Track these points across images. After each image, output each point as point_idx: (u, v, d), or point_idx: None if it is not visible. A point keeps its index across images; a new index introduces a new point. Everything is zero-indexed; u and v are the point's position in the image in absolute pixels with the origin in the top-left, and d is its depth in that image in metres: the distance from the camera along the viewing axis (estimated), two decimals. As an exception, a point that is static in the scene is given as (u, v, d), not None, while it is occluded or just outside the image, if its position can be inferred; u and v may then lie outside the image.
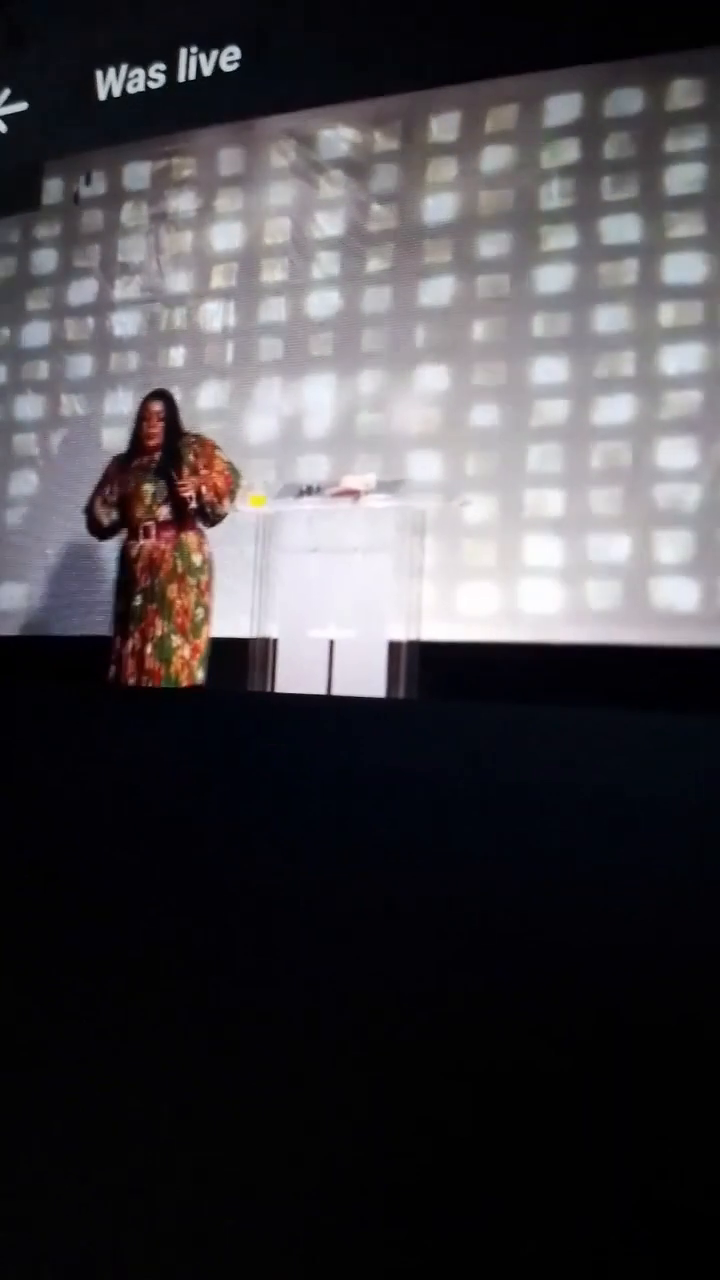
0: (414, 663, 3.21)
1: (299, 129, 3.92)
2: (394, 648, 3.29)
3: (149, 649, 3.44)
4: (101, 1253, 0.96)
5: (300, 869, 2.26)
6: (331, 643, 3.46)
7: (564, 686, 3.13)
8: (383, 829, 2.82)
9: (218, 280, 3.86)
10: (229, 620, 3.42)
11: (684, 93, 3.34)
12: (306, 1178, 1.12)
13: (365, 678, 3.36)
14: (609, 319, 3.33)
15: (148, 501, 3.40)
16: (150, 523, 3.37)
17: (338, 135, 3.80)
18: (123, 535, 3.34)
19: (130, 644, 3.46)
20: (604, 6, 3.38)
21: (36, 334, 4.23)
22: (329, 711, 3.36)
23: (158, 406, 3.46)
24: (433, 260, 3.52)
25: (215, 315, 3.86)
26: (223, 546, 3.45)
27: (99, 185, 4.26)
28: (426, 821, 2.86)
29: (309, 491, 3.62)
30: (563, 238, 3.40)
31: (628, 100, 3.35)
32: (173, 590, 3.38)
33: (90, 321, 4.11)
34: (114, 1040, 1.51)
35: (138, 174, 4.18)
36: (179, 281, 3.94)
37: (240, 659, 3.43)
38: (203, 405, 3.78)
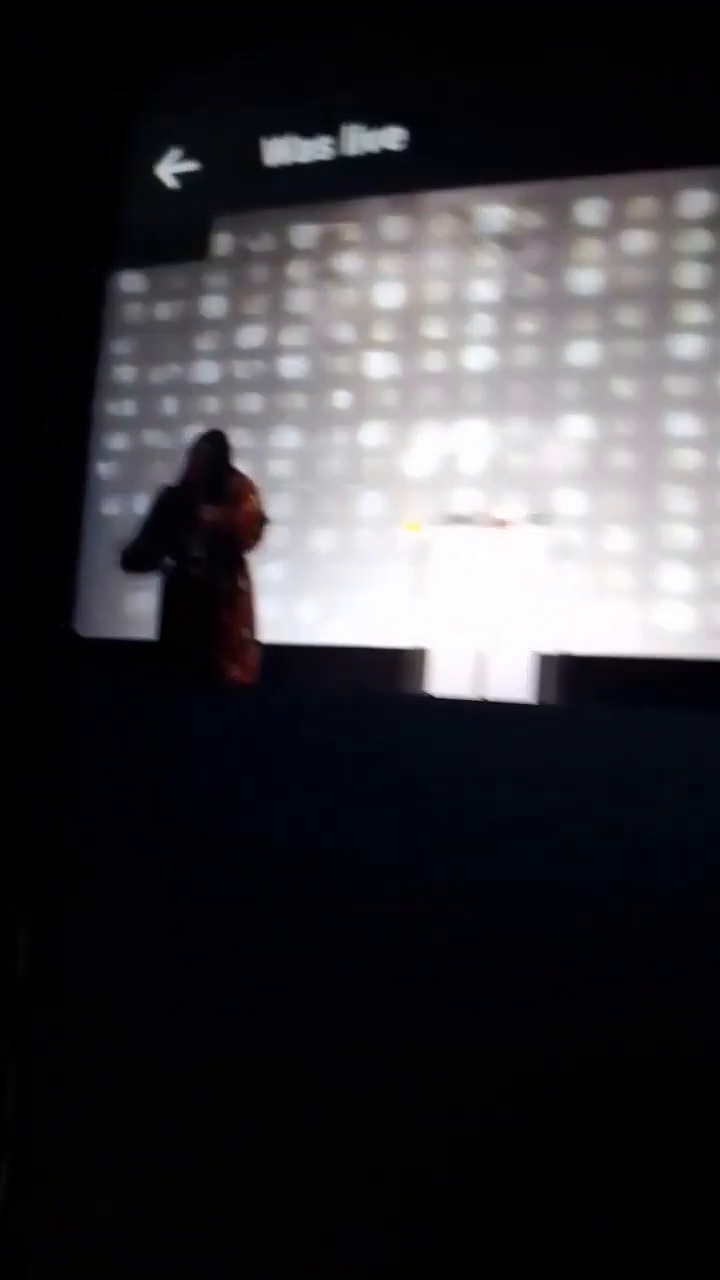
0: (561, 672, 4.56)
1: (458, 204, 5.44)
2: (540, 659, 4.69)
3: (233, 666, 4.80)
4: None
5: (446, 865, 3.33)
6: (481, 653, 4.83)
7: (695, 695, 4.49)
8: (540, 822, 4.04)
9: (380, 333, 5.29)
10: (386, 630, 4.85)
11: None
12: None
13: (512, 686, 4.70)
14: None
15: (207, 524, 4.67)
16: (191, 554, 4.70)
17: (494, 212, 5.22)
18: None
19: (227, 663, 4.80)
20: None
21: (206, 372, 5.76)
22: (481, 714, 4.67)
23: (204, 443, 4.76)
24: (578, 326, 4.96)
25: (378, 364, 5.28)
26: (379, 566, 4.95)
27: (268, 242, 5.87)
28: (583, 815, 4.07)
29: (461, 520, 5.02)
30: (695, 312, 4.85)
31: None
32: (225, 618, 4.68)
33: (259, 364, 5.64)
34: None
35: (304, 234, 5.58)
36: (344, 332, 5.40)
37: (395, 667, 4.81)
38: (365, 442, 5.23)
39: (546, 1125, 1.97)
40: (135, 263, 5.77)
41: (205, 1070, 2.27)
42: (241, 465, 5.11)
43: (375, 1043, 2.28)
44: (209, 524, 4.34)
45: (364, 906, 4.35)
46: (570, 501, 4.76)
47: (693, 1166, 1.90)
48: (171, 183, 5.76)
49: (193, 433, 5.26)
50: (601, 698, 4.37)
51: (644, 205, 4.94)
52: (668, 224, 4.90)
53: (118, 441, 5.67)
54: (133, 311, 5.77)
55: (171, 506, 4.46)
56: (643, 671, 4.56)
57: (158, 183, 5.78)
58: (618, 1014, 2.46)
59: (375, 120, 5.38)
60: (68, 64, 6.16)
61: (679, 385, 4.81)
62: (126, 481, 5.61)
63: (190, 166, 5.75)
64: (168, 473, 5.39)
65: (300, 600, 5.05)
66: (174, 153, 5.76)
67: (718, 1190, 1.87)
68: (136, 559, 4.52)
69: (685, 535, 4.74)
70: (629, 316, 4.93)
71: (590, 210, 4.96)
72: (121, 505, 5.51)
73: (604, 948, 3.86)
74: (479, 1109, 2.08)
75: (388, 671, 4.61)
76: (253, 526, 4.40)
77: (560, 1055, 2.29)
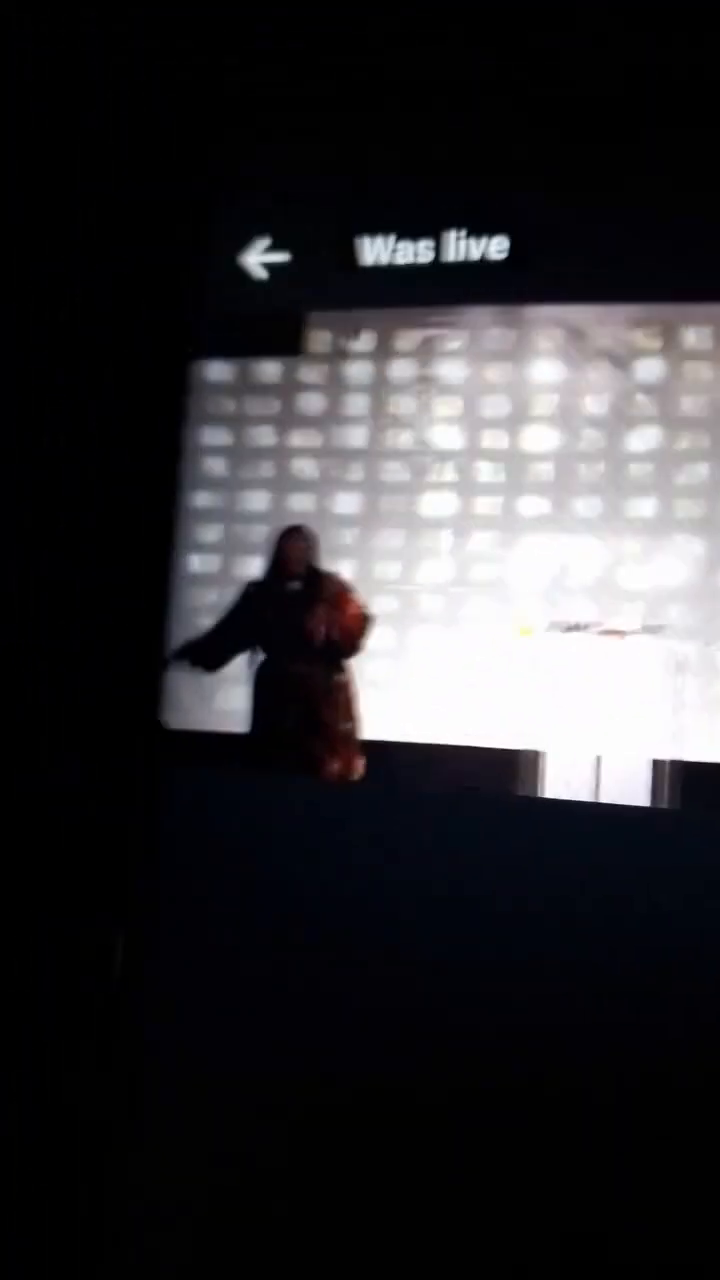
0: (677, 779, 4.88)
1: (565, 319, 5.85)
2: (657, 766, 5.02)
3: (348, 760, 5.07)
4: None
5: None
6: (597, 758, 5.14)
7: None
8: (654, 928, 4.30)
9: (487, 441, 5.65)
10: (503, 735, 5.12)
11: None
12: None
13: (630, 791, 5.00)
14: None
15: (314, 623, 5.04)
16: (289, 649, 5.02)
17: (602, 330, 5.66)
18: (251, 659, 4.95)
19: (336, 758, 5.08)
20: None
21: (301, 469, 6.07)
22: (598, 817, 4.96)
23: (299, 539, 5.08)
24: (690, 446, 5.36)
25: (484, 471, 5.57)
26: (490, 671, 5.23)
27: (367, 342, 6.18)
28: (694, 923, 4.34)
29: (575, 628, 5.35)
30: None
31: None
32: (324, 712, 5.02)
33: (360, 464, 5.97)
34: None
35: (406, 337, 5.93)
36: (449, 438, 5.75)
37: (509, 769, 5.09)
38: (471, 550, 5.52)
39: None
40: (225, 354, 6.04)
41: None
42: (345, 565, 5.39)
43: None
44: (318, 624, 4.63)
45: (470, 1002, 4.57)
46: (682, 615, 5.11)
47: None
48: (259, 273, 6.06)
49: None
50: (714, 805, 4.71)
51: None
52: None
53: (209, 534, 5.92)
54: (224, 404, 6.04)
55: (262, 601, 4.72)
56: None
57: (244, 272, 6.09)
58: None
59: (479, 228, 5.74)
60: (150, 140, 6.48)
61: None
62: (217, 575, 5.85)
63: (280, 258, 6.04)
64: (260, 567, 5.68)
65: (406, 699, 5.32)
66: (262, 242, 6.05)
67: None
68: (204, 652, 4.78)
69: None
70: None
71: (699, 335, 5.36)
72: (211, 598, 5.75)
73: (697, 1049, 4.14)
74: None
75: (501, 773, 4.89)
76: (361, 627, 4.70)
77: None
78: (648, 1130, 3.58)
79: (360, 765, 4.89)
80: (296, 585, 4.85)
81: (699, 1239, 2.52)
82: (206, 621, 5.56)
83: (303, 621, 4.79)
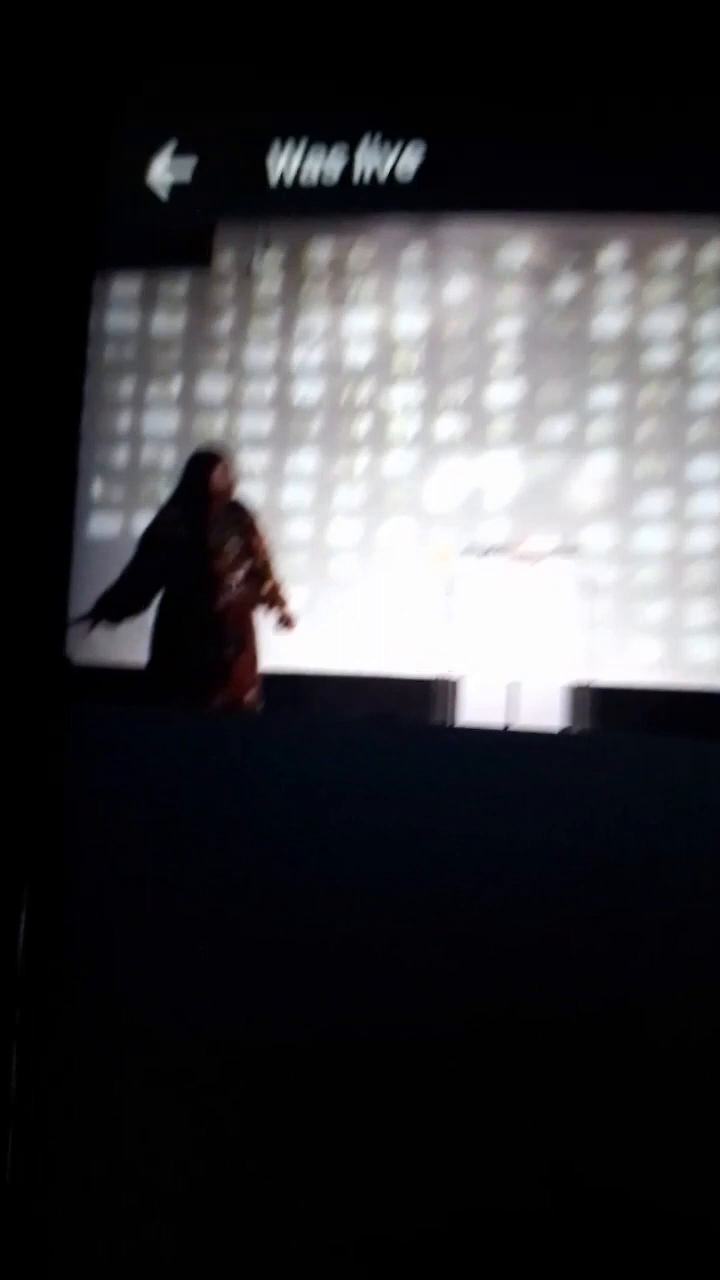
0: (591, 702, 4.82)
1: (478, 234, 5.65)
2: (572, 690, 4.94)
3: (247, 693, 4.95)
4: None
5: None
6: (512, 684, 5.05)
7: (717, 726, 4.83)
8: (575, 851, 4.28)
9: (400, 359, 5.48)
10: (413, 661, 5.03)
11: None
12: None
13: (543, 715, 4.94)
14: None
15: (230, 558, 4.92)
16: (225, 575, 4.83)
17: (517, 248, 5.47)
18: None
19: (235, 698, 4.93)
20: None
21: (212, 389, 5.89)
22: (512, 743, 4.89)
23: (223, 468, 4.89)
24: (603, 367, 5.29)
25: (398, 393, 5.48)
26: (403, 595, 5.15)
27: (275, 256, 5.95)
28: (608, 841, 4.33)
29: (491, 552, 5.24)
30: (716, 359, 5.27)
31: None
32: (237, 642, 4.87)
33: (270, 384, 5.76)
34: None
35: (317, 252, 5.71)
36: (361, 357, 5.58)
37: (424, 697, 5.00)
38: (387, 474, 5.43)
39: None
40: (130, 267, 5.81)
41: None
42: (255, 488, 5.23)
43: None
44: (244, 551, 4.48)
45: (380, 939, 4.53)
46: (596, 537, 5.04)
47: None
48: (166, 185, 5.82)
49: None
50: (628, 727, 4.66)
51: (669, 250, 5.30)
52: (688, 273, 5.28)
53: (114, 457, 5.73)
54: (128, 320, 5.82)
55: (176, 531, 4.53)
56: (667, 702, 4.87)
57: (150, 183, 5.84)
58: (633, 1051, 2.69)
59: (391, 137, 5.55)
60: (53, 50, 6.15)
61: (708, 429, 5.23)
62: (122, 500, 5.68)
63: (187, 169, 5.80)
64: (167, 491, 5.50)
65: (323, 627, 5.21)
66: (168, 152, 5.80)
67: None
68: (121, 604, 4.53)
69: (708, 571, 5.10)
70: (655, 359, 5.31)
71: (613, 254, 5.25)
72: (116, 524, 5.59)
73: (623, 973, 4.13)
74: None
75: (415, 701, 4.80)
76: (270, 555, 4.57)
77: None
78: (588, 1057, 3.56)
79: (259, 695, 4.78)
80: (219, 513, 4.65)
81: (686, 1172, 2.52)
82: (111, 550, 5.39)
83: (226, 552, 4.62)
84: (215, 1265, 2.55)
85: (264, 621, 4.60)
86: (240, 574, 4.49)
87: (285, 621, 4.58)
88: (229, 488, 4.56)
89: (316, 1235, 2.56)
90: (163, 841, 4.51)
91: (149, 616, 4.58)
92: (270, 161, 5.65)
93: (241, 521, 4.54)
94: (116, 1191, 3.09)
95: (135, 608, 4.57)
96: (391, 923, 4.18)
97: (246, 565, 4.51)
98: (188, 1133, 3.12)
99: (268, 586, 4.55)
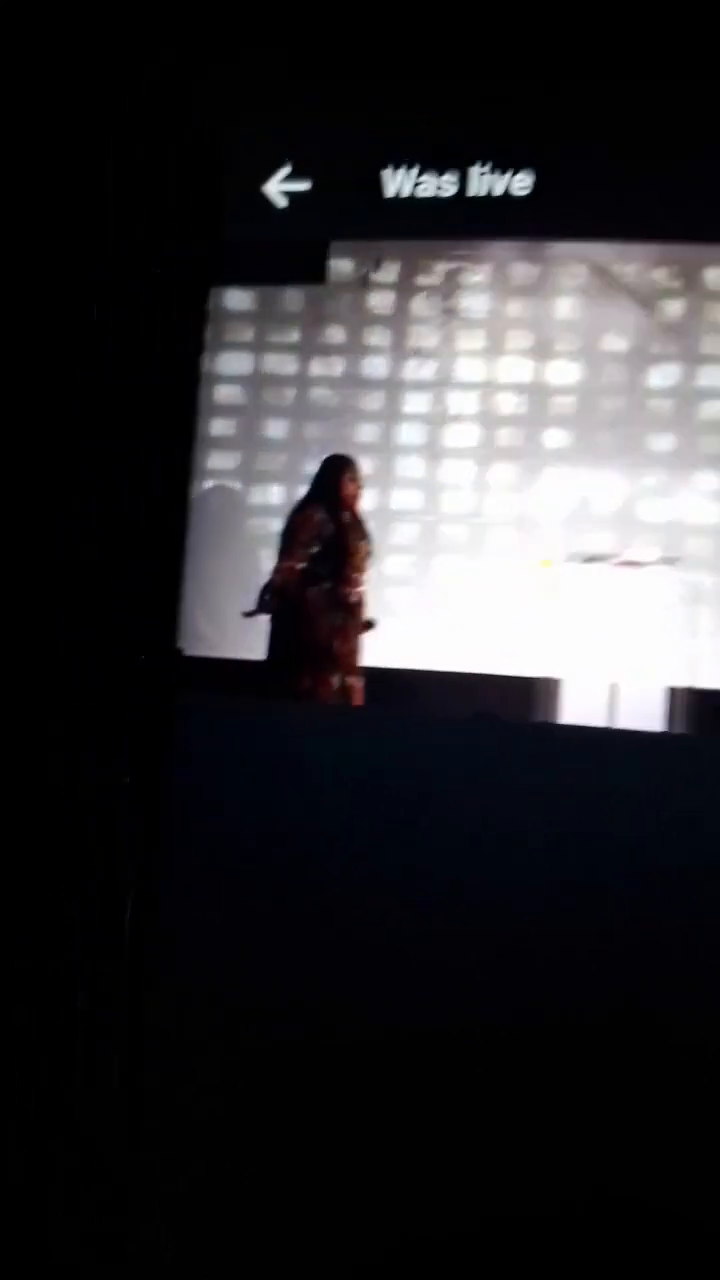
0: (691, 706, 4.85)
1: (588, 255, 5.74)
2: (672, 693, 4.98)
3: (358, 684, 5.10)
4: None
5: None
6: (613, 685, 5.10)
7: None
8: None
9: (510, 373, 5.64)
10: (516, 662, 5.11)
11: None
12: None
13: (644, 717, 4.97)
14: None
15: (363, 554, 5.09)
16: (359, 571, 5.05)
17: (625, 269, 5.59)
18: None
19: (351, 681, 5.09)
20: None
21: (323, 398, 6.06)
22: (615, 742, 4.94)
23: (356, 474, 5.12)
24: (709, 383, 5.41)
25: (506, 404, 5.65)
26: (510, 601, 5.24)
27: (390, 272, 6.09)
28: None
29: (595, 559, 5.30)
30: None
31: None
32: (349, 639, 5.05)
33: (381, 394, 5.93)
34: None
35: (430, 270, 5.90)
36: (471, 371, 5.73)
37: (527, 696, 5.07)
38: (493, 482, 5.61)
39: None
40: (245, 280, 5.99)
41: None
42: (368, 493, 5.34)
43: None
44: (365, 555, 4.67)
45: (481, 932, 4.56)
46: (699, 547, 5.08)
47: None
48: (281, 201, 5.97)
49: (305, 459, 5.49)
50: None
51: None
52: None
53: (224, 461, 5.90)
54: (244, 331, 5.99)
55: (319, 529, 4.72)
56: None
57: (266, 200, 6.00)
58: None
59: (502, 163, 5.64)
60: (174, 63, 6.31)
61: None
62: (234, 501, 5.85)
63: (302, 187, 5.95)
64: (281, 499, 5.63)
65: (427, 626, 5.31)
66: (285, 170, 5.96)
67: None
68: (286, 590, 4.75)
69: None
70: None
71: (717, 274, 5.34)
72: (229, 526, 5.75)
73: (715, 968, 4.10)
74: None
75: (520, 700, 4.87)
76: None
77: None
78: (656, 1062, 3.57)
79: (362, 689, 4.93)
80: (347, 517, 4.89)
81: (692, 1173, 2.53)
82: (219, 548, 5.56)
83: (354, 552, 4.83)
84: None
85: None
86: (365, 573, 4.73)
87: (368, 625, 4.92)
88: (358, 491, 4.79)
89: (335, 1223, 2.61)
90: (265, 832, 4.62)
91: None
92: (382, 181, 5.79)
93: (364, 526, 4.78)
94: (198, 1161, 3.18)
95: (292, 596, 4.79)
96: (490, 916, 4.22)
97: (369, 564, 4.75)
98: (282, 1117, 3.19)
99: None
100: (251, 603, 4.98)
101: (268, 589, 4.90)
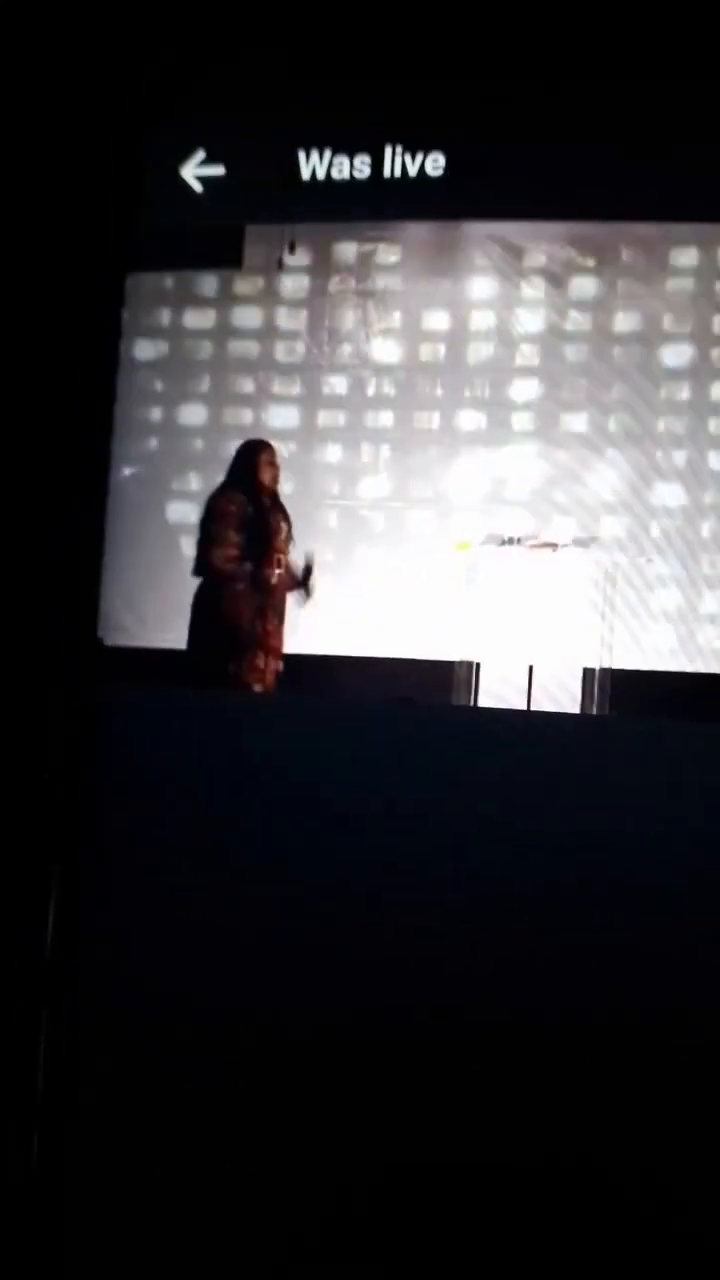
0: (606, 686, 4.90)
1: (501, 235, 5.76)
2: (588, 674, 5.03)
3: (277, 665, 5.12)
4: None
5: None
6: (530, 667, 5.14)
7: None
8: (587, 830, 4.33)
9: (425, 355, 5.66)
10: (433, 645, 5.13)
11: None
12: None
13: (561, 698, 5.02)
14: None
15: (284, 536, 5.09)
16: (280, 553, 5.06)
17: (537, 247, 5.64)
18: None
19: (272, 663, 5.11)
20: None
21: (241, 384, 6.04)
22: (531, 725, 4.98)
23: (273, 457, 5.14)
24: (622, 362, 5.45)
25: (423, 386, 5.66)
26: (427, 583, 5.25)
27: (304, 256, 6.05)
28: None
29: (511, 542, 5.33)
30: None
31: None
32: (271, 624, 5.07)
33: (297, 379, 5.93)
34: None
35: (344, 252, 5.91)
36: (387, 353, 5.74)
37: (445, 680, 5.10)
38: (411, 464, 5.61)
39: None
40: (161, 265, 5.94)
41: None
42: (284, 478, 5.32)
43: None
44: (285, 540, 4.65)
45: (395, 918, 4.58)
46: (613, 528, 5.13)
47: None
48: (197, 186, 5.92)
49: (223, 444, 5.45)
50: (644, 710, 4.74)
51: (685, 255, 5.45)
52: (706, 273, 5.42)
53: (141, 447, 5.85)
54: (160, 315, 5.94)
55: (242, 513, 4.70)
56: (683, 686, 4.95)
57: (182, 184, 5.95)
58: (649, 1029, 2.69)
59: (416, 144, 5.63)
60: (87, 50, 6.24)
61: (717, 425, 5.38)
62: (151, 489, 5.80)
63: (217, 171, 5.91)
64: (199, 485, 5.59)
65: (346, 612, 5.31)
66: (199, 155, 5.92)
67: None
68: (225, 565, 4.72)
69: None
70: (672, 357, 5.44)
71: (631, 254, 5.39)
72: (145, 513, 5.70)
73: (644, 950, 4.17)
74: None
75: (436, 684, 4.89)
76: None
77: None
78: (586, 1037, 3.62)
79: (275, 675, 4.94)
80: (266, 500, 4.86)
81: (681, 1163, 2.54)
82: (141, 536, 5.54)
83: (274, 537, 4.81)
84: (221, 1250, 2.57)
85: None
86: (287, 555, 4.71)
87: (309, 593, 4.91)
88: (276, 475, 4.77)
89: (323, 1219, 2.60)
90: (185, 820, 4.60)
91: (184, 598, 4.76)
92: (298, 165, 5.76)
93: (284, 508, 4.76)
94: (137, 1177, 3.14)
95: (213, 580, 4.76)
96: (408, 901, 4.24)
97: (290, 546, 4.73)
98: (212, 1113, 3.17)
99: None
100: (175, 591, 5.01)
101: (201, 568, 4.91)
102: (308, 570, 4.86)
